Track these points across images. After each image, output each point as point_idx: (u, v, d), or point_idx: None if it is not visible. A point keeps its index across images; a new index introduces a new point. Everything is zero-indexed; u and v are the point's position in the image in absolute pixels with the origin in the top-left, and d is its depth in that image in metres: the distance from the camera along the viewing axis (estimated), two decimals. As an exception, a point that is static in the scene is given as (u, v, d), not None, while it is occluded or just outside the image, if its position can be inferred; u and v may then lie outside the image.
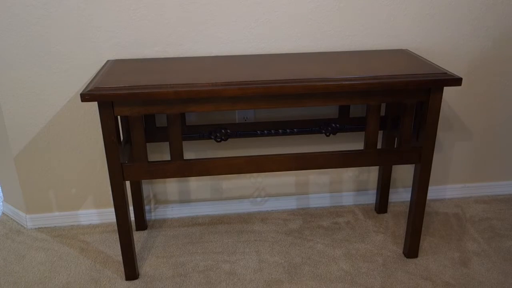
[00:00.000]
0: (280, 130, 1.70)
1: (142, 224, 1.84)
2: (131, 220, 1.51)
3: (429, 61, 1.58)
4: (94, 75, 1.47)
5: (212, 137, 1.59)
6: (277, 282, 1.56)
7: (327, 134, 1.68)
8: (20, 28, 1.58)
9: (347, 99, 1.42)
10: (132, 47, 1.65)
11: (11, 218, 1.95)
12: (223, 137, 1.58)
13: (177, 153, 1.42)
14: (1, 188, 2.00)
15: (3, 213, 1.99)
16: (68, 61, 1.64)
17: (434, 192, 2.04)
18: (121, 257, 1.54)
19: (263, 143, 1.86)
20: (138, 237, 1.81)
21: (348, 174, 1.98)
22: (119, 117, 1.62)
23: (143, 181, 1.85)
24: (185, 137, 1.69)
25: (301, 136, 1.86)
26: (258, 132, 1.69)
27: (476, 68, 1.84)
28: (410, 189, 1.61)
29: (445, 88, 1.85)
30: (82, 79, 1.67)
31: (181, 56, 1.69)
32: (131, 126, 1.38)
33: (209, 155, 1.85)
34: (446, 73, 1.43)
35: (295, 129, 1.71)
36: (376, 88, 1.39)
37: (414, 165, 1.56)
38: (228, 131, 1.59)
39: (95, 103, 1.68)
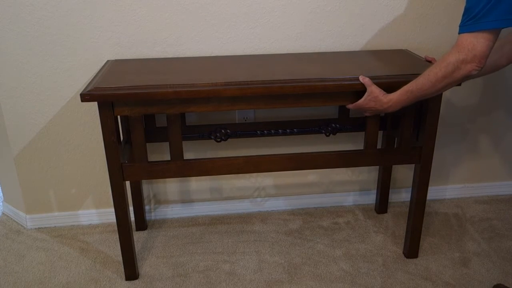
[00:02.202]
0: (280, 130, 1.70)
1: (142, 224, 1.84)
2: (131, 220, 1.51)
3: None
4: (94, 75, 1.47)
5: (212, 137, 1.59)
6: (277, 282, 1.56)
7: (327, 134, 1.68)
8: (20, 28, 1.58)
9: (347, 100, 1.42)
10: (132, 47, 1.65)
11: (11, 218, 1.95)
12: (223, 137, 1.58)
13: (177, 153, 1.42)
14: (1, 188, 2.00)
15: (3, 213, 2.00)
16: (68, 61, 1.64)
17: (434, 192, 2.04)
18: (121, 257, 1.54)
19: (263, 143, 1.86)
20: (138, 237, 1.81)
21: (348, 174, 1.98)
22: (119, 117, 1.62)
23: (143, 181, 1.85)
24: (185, 137, 1.69)
25: (301, 136, 1.86)
26: (258, 132, 1.68)
27: (476, 68, 1.84)
28: (410, 189, 1.60)
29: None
30: (82, 79, 1.67)
31: (181, 56, 1.69)
32: (131, 127, 1.38)
33: (209, 155, 1.85)
34: (446, 73, 1.42)
35: (295, 129, 1.71)
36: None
37: (414, 165, 1.56)
38: (228, 131, 1.59)
39: (95, 103, 1.68)
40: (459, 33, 1.20)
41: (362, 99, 1.38)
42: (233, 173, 1.46)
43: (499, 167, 2.06)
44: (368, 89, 1.36)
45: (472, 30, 1.16)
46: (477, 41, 1.16)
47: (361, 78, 1.37)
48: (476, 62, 1.17)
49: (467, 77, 1.21)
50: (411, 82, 1.31)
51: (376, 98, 1.35)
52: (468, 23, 1.16)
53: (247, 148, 1.85)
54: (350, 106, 1.42)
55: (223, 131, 1.58)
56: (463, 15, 1.19)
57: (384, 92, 1.35)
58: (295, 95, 1.38)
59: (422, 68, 1.47)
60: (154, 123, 1.69)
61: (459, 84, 1.38)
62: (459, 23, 1.20)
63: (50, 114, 1.71)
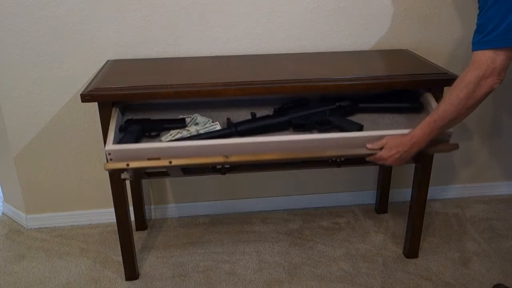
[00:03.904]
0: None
1: (142, 224, 1.84)
2: (131, 220, 1.51)
3: (429, 61, 1.58)
4: (94, 75, 1.47)
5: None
6: (277, 282, 1.56)
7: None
8: (20, 28, 1.58)
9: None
10: (132, 47, 1.65)
11: (11, 218, 1.95)
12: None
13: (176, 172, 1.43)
14: (1, 188, 2.00)
15: (3, 213, 1.99)
16: (68, 61, 1.64)
17: (434, 192, 2.04)
18: (121, 257, 1.54)
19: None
20: (138, 237, 1.81)
21: (348, 174, 1.98)
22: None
23: (143, 181, 1.85)
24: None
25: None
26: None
27: (476, 68, 1.84)
28: (410, 189, 1.60)
29: (445, 88, 1.85)
30: (82, 79, 1.67)
31: (181, 56, 1.69)
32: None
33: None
34: (446, 73, 1.43)
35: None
36: (376, 88, 1.39)
37: (414, 165, 1.56)
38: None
39: (95, 103, 1.68)
40: (474, 50, 1.16)
41: (383, 150, 1.28)
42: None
43: (499, 167, 2.06)
44: (384, 142, 1.28)
45: (493, 47, 1.13)
46: (497, 56, 1.12)
47: (369, 146, 1.29)
48: (496, 75, 1.13)
49: (490, 93, 1.17)
50: (431, 113, 1.25)
51: (397, 141, 1.27)
52: (485, 39, 1.13)
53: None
54: (370, 158, 1.32)
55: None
56: (476, 31, 1.16)
57: (402, 134, 1.28)
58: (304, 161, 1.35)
59: (422, 68, 1.48)
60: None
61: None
62: (472, 40, 1.17)
63: (50, 114, 1.71)
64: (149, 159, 1.27)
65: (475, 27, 1.18)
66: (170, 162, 1.26)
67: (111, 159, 1.26)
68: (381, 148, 1.29)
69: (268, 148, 1.30)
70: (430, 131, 1.24)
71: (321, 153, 1.31)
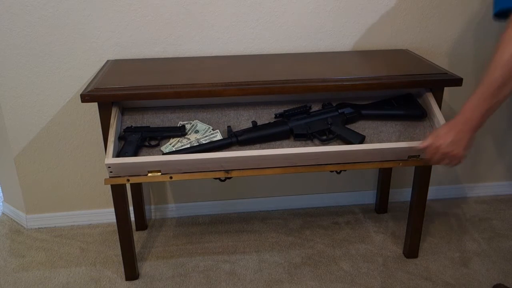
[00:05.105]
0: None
1: (142, 224, 1.84)
2: (131, 220, 1.51)
3: (429, 61, 1.58)
4: (94, 75, 1.47)
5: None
6: (277, 282, 1.56)
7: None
8: (20, 28, 1.58)
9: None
10: (132, 47, 1.65)
11: (11, 218, 1.95)
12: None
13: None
14: (1, 188, 2.00)
15: (3, 213, 1.99)
16: (68, 61, 1.64)
17: (434, 192, 2.04)
18: (121, 257, 1.54)
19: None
20: (138, 237, 1.81)
21: (348, 173, 1.98)
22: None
23: (143, 181, 1.85)
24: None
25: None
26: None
27: (476, 68, 1.84)
28: (410, 189, 1.60)
29: (446, 88, 1.85)
30: (82, 79, 1.67)
31: (181, 56, 1.69)
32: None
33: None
34: (446, 73, 1.43)
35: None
36: (376, 88, 1.39)
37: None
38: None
39: (95, 103, 1.68)
40: (504, 7, 1.12)
41: (435, 139, 1.19)
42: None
43: (499, 167, 2.06)
44: (433, 133, 1.21)
45: None
46: None
47: (421, 146, 1.22)
48: None
49: None
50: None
51: (447, 125, 1.19)
52: None
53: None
54: (420, 145, 1.23)
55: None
56: None
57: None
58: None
59: (422, 68, 1.48)
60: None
61: (460, 84, 1.38)
62: (494, 4, 1.12)
63: (50, 114, 1.71)
64: (149, 171, 1.28)
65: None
66: (171, 178, 1.28)
67: (111, 172, 1.27)
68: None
69: (269, 160, 1.31)
70: (479, 101, 1.12)
71: (322, 168, 1.34)
